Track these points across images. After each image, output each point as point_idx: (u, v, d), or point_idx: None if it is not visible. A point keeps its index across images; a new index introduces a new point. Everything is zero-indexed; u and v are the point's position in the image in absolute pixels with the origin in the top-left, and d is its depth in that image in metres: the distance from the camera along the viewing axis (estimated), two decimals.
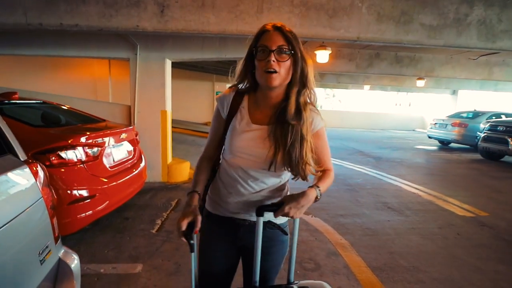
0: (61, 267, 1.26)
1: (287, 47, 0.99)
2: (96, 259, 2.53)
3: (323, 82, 12.86)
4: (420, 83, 10.93)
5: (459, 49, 4.61)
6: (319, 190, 1.05)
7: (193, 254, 1.02)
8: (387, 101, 26.00)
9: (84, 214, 2.56)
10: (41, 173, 1.23)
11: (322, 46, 6.17)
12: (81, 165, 2.61)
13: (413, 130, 18.10)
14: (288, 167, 1.05)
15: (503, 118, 9.23)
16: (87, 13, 3.09)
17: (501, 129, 7.69)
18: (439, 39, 3.44)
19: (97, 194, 2.68)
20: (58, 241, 1.27)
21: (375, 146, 10.57)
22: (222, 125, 1.14)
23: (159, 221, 3.36)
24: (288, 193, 1.17)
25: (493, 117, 9.44)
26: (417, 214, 3.93)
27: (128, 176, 3.22)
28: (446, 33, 3.42)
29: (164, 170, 4.98)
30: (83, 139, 2.68)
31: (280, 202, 1.02)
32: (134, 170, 3.40)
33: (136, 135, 3.73)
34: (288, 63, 1.01)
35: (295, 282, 1.16)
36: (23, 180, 1.12)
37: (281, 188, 1.15)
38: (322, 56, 6.27)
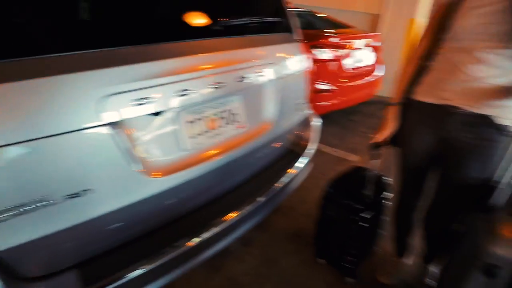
0: (308, 120, 1.78)
1: None
2: (323, 142, 3.13)
3: None
4: None
5: None
6: None
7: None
8: None
9: (324, 103, 3.14)
10: (307, 54, 1.66)
11: None
12: (326, 63, 3.07)
13: None
14: None
15: None
16: None
17: None
18: None
19: (334, 90, 3.15)
20: (308, 105, 1.77)
21: None
22: (447, 7, 1.02)
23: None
24: None
25: None
26: None
27: (363, 81, 3.47)
28: None
29: None
30: (331, 40, 3.08)
31: None
32: (369, 77, 3.58)
33: (379, 43, 3.75)
34: None
35: None
36: (297, 51, 1.58)
37: None
38: None
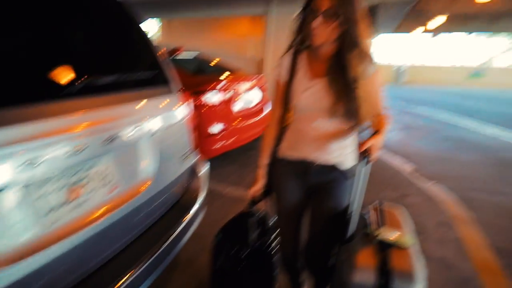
0: (193, 169, 1.76)
1: (335, 10, 1.01)
2: (223, 182, 3.17)
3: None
4: None
5: None
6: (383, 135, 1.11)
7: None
8: None
9: (219, 144, 3.22)
10: (187, 102, 1.68)
11: None
12: (217, 107, 3.19)
13: None
14: (348, 115, 1.12)
15: None
16: None
17: None
18: None
19: (227, 131, 3.27)
20: (194, 153, 1.76)
21: None
22: (285, 88, 1.24)
23: None
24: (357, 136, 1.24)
25: None
26: None
27: (254, 119, 3.72)
28: None
29: None
30: (221, 84, 3.24)
31: (367, 148, 1.08)
32: (260, 114, 3.87)
33: (264, 84, 4.12)
34: (335, 25, 1.04)
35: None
36: (175, 102, 1.58)
37: (350, 131, 1.21)
38: None
